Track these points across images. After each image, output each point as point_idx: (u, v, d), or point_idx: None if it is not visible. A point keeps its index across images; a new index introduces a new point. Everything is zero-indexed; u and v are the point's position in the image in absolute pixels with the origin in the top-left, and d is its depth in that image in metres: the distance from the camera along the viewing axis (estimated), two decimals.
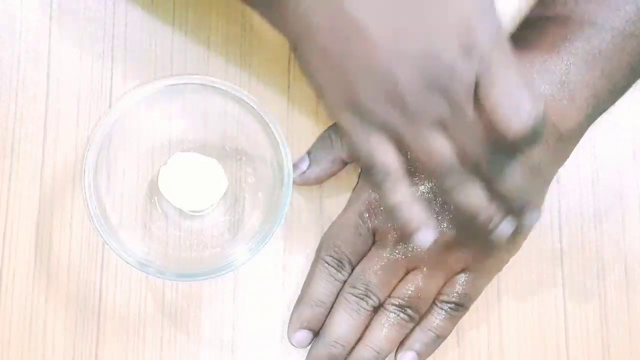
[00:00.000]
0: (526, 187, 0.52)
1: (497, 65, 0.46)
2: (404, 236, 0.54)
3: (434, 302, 0.56)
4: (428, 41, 0.45)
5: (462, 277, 0.56)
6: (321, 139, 0.58)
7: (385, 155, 0.48)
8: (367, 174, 0.51)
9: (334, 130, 0.57)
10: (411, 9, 0.45)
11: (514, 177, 0.50)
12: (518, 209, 0.52)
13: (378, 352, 0.55)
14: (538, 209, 0.53)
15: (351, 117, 0.48)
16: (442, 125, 0.47)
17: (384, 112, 0.47)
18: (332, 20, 0.46)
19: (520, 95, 0.46)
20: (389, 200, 0.49)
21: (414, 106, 0.46)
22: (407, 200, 0.49)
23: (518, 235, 0.54)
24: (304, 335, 0.56)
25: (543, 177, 0.55)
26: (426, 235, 0.49)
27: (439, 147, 0.47)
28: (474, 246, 0.55)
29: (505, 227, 0.52)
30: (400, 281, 0.55)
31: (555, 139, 0.54)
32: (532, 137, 0.47)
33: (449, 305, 0.55)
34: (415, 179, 0.54)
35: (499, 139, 0.47)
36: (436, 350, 0.56)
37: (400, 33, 0.45)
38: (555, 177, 0.57)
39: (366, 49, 0.45)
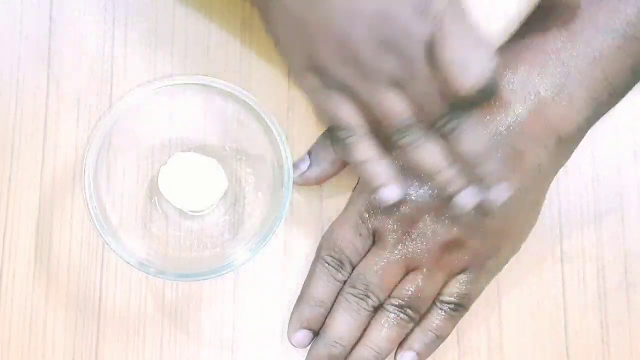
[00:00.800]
0: (489, 155, 0.51)
1: (450, 22, 0.47)
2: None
3: (433, 302, 0.56)
4: (383, 1, 0.46)
5: (462, 277, 0.55)
6: (321, 139, 0.57)
7: (348, 114, 0.49)
8: (333, 136, 0.52)
9: None
10: None
11: (473, 139, 0.51)
12: (483, 179, 0.51)
13: (378, 352, 0.55)
14: (507, 185, 0.51)
15: (313, 78, 0.49)
16: (397, 84, 0.48)
17: (341, 71, 0.48)
18: None
19: (473, 53, 0.48)
20: (354, 157, 0.49)
21: (369, 65, 0.47)
22: (372, 157, 0.49)
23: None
24: (304, 335, 0.56)
25: (544, 176, 0.55)
26: (391, 191, 0.49)
27: (394, 105, 0.48)
28: (473, 245, 0.55)
29: (466, 196, 0.51)
30: (400, 281, 0.55)
31: (555, 142, 0.54)
32: (484, 94, 0.48)
33: (448, 305, 0.55)
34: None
35: (454, 97, 0.48)
36: (436, 350, 0.56)
37: None
38: (555, 177, 0.57)
39: (324, 9, 0.47)
